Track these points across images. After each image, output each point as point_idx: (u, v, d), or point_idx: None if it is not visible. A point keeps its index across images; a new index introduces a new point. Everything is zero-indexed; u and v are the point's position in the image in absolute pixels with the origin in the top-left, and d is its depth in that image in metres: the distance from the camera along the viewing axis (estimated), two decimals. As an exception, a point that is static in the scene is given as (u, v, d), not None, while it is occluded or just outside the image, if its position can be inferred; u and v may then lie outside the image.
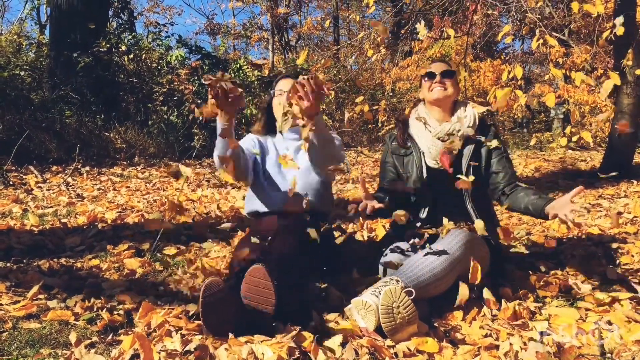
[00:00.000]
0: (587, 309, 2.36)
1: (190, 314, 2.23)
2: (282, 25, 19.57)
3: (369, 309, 2.10)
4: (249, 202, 2.99)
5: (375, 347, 1.98)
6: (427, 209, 2.77)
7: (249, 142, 2.99)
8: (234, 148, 2.57)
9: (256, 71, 10.21)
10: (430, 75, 2.81)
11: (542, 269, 2.97)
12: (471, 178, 2.48)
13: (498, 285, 2.59)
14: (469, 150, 2.74)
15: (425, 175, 2.78)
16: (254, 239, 2.43)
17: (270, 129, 3.07)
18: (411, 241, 2.63)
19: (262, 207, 2.89)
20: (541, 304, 2.44)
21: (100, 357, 1.83)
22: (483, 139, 2.71)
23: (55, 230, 3.73)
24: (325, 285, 2.63)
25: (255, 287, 2.03)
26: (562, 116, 12.31)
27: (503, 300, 2.42)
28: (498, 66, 12.65)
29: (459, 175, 2.52)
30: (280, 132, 2.97)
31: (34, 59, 9.03)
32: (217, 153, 2.61)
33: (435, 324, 2.22)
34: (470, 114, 2.78)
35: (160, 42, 9.89)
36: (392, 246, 2.67)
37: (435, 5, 8.26)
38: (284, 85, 2.93)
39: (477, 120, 2.77)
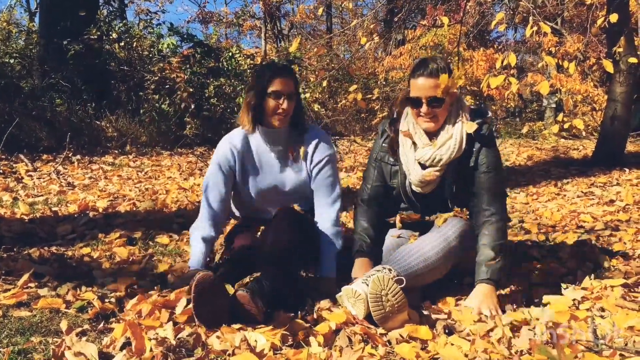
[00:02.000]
0: (580, 296, 2.36)
1: (184, 304, 2.22)
2: (275, 14, 19.45)
3: (358, 298, 2.09)
4: (237, 212, 2.93)
5: (369, 335, 1.97)
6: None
7: (225, 164, 2.68)
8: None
9: (248, 60, 10.14)
10: (416, 103, 2.43)
11: (535, 256, 2.97)
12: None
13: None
14: (451, 178, 2.46)
15: (410, 194, 2.56)
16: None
17: (256, 122, 2.68)
18: (399, 233, 2.60)
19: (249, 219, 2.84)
20: (534, 291, 2.44)
21: (92, 345, 1.81)
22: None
23: (46, 219, 3.70)
24: (319, 273, 2.61)
25: (242, 309, 2.04)
26: (554, 105, 12.32)
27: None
28: (491, 55, 12.62)
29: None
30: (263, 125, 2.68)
31: (24, 46, 8.91)
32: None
33: (427, 312, 2.21)
34: (456, 135, 2.41)
35: (152, 30, 9.79)
36: (388, 233, 2.65)
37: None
38: (279, 85, 2.54)
39: (463, 143, 2.41)
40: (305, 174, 2.68)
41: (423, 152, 2.44)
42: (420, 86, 2.39)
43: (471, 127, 2.40)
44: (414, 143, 2.50)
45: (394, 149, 2.58)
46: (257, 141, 2.70)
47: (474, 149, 2.44)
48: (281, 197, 2.68)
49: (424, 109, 2.39)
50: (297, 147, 2.68)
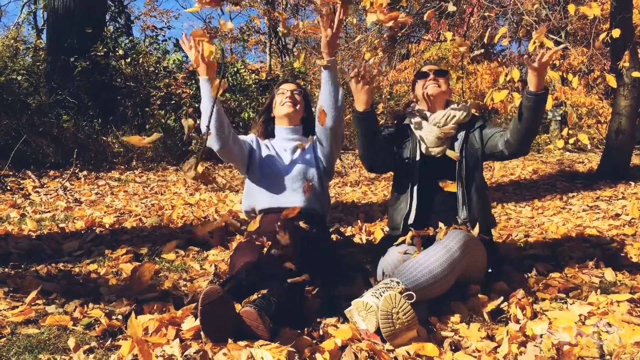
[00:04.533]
0: (586, 311, 2.36)
1: (191, 321, 2.22)
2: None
3: (369, 310, 2.10)
4: (247, 199, 3.01)
5: (375, 351, 1.97)
6: (414, 200, 2.78)
7: (247, 138, 3.08)
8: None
9: (253, 75, 10.19)
10: (424, 75, 2.92)
11: (541, 270, 2.97)
12: (453, 187, 2.64)
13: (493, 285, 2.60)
14: (461, 136, 2.82)
15: (418, 160, 2.82)
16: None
17: (269, 132, 3.11)
18: (405, 249, 2.61)
19: (259, 205, 2.90)
20: (540, 306, 2.44)
21: (99, 363, 1.82)
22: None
23: (53, 235, 3.72)
24: (325, 290, 2.62)
25: (249, 326, 2.04)
26: (559, 118, 12.33)
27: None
28: (495, 68, 12.65)
29: (441, 183, 2.66)
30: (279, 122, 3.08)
31: (31, 63, 8.99)
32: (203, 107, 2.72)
33: (434, 327, 2.21)
34: (463, 105, 2.88)
35: (158, 46, 9.85)
36: (391, 247, 2.66)
37: (432, 8, 8.26)
38: (284, 87, 3.06)
39: (470, 112, 2.87)
40: (312, 159, 3.00)
41: (438, 114, 2.85)
42: (427, 67, 2.96)
43: (473, 105, 2.76)
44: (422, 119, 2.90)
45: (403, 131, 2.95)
46: (273, 141, 3.07)
47: (479, 121, 2.90)
48: (289, 180, 2.92)
49: (430, 77, 2.89)
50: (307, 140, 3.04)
